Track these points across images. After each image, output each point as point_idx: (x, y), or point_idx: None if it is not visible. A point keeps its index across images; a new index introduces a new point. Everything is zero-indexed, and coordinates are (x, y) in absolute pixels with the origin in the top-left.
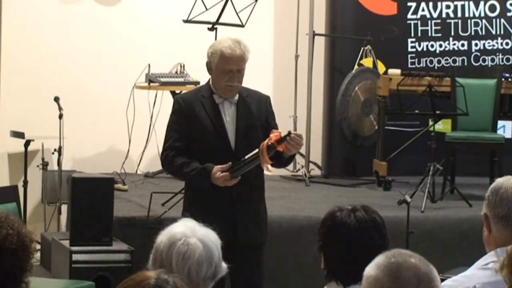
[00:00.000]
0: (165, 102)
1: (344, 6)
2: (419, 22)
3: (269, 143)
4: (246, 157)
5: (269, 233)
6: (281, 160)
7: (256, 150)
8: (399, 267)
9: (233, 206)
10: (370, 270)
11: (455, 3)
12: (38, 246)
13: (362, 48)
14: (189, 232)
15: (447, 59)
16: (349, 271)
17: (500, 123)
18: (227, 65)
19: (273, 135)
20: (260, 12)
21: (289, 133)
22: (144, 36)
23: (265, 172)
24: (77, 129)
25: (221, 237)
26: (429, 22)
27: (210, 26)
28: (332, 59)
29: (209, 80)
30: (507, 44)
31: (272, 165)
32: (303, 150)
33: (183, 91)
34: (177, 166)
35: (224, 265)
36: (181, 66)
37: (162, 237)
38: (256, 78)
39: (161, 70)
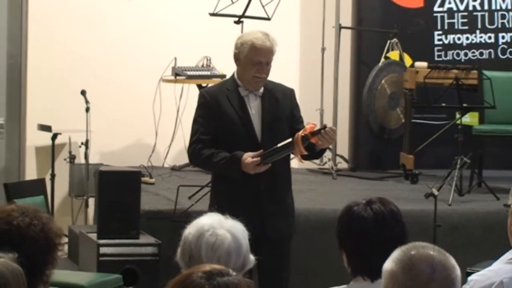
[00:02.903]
0: (192, 95)
1: None
2: (445, 14)
3: (303, 134)
4: (279, 145)
5: (296, 226)
6: (312, 153)
7: (289, 140)
8: (412, 258)
9: (260, 198)
10: (387, 264)
11: None
12: (66, 239)
13: (388, 41)
14: (217, 224)
15: (474, 52)
16: (374, 265)
17: None
18: (257, 56)
19: (308, 127)
20: (286, 5)
21: (325, 126)
22: (170, 29)
23: (298, 162)
24: (104, 122)
25: (248, 229)
26: (456, 14)
27: (236, 19)
28: (358, 52)
29: (233, 73)
30: None
31: (302, 156)
32: None
33: (209, 85)
34: (206, 157)
35: (252, 257)
36: (207, 59)
37: (190, 229)
38: (282, 71)
39: (187, 64)
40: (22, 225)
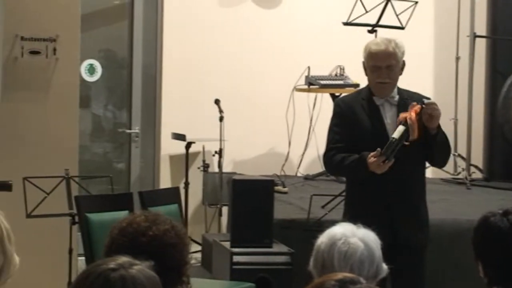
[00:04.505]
0: (325, 105)
1: (506, 7)
2: None
3: (414, 114)
4: (395, 137)
5: (430, 236)
6: (431, 148)
7: (403, 127)
8: None
9: (393, 208)
10: None
11: None
12: (199, 247)
13: None
14: (349, 233)
15: None
16: (510, 276)
17: None
18: (373, 61)
19: (413, 109)
20: (420, 13)
21: (422, 102)
22: (304, 38)
23: (431, 170)
24: (238, 131)
25: (381, 238)
26: None
27: (370, 28)
28: (493, 61)
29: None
30: None
31: (428, 162)
32: (464, 153)
33: (343, 94)
34: (338, 162)
35: (384, 266)
36: (340, 69)
37: (323, 238)
38: (416, 80)
39: (320, 73)
40: (158, 233)
